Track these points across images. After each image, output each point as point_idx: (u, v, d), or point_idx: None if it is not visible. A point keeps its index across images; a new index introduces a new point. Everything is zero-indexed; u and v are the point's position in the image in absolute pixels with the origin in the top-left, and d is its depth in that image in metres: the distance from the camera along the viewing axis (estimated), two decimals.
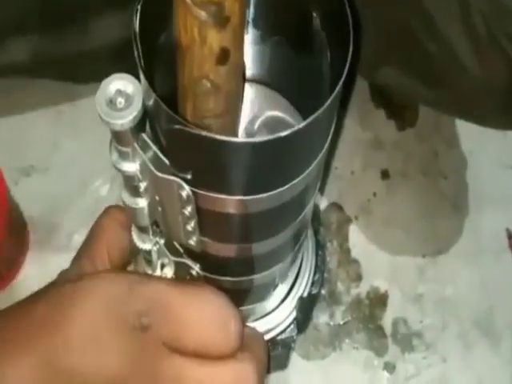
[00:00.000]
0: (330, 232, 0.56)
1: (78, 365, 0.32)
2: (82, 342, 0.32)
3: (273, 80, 0.38)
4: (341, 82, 0.29)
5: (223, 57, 0.28)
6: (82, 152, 0.58)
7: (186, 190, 0.30)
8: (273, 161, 0.30)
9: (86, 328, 0.32)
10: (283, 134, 0.28)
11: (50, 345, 0.32)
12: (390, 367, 0.52)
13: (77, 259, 0.37)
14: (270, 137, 0.27)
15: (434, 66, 0.49)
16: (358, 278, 0.55)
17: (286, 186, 0.31)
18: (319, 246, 0.46)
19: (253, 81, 0.37)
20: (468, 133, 0.60)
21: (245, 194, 0.31)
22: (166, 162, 0.30)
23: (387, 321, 0.54)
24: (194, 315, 0.33)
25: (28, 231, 0.55)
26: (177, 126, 0.27)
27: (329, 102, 0.29)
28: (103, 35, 0.55)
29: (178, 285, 0.34)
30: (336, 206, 0.57)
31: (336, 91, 0.29)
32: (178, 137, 0.28)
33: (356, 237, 0.56)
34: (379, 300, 0.54)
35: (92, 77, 0.58)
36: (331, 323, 0.54)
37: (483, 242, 0.56)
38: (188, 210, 0.31)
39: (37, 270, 0.54)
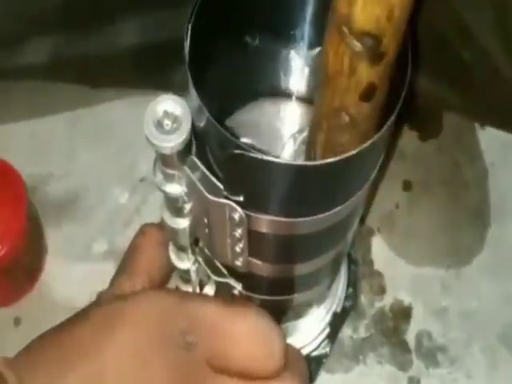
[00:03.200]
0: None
1: None
2: (128, 364, 0.31)
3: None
4: (397, 108, 0.29)
5: (369, 93, 0.26)
6: (100, 159, 0.57)
7: (239, 213, 0.29)
8: (329, 183, 0.29)
9: (131, 349, 0.32)
10: (344, 156, 0.27)
11: (96, 368, 0.31)
12: (414, 382, 0.52)
13: (115, 279, 0.37)
14: (335, 159, 0.27)
15: (469, 74, 0.48)
16: (382, 290, 0.54)
17: (338, 209, 0.31)
18: (351, 261, 0.45)
19: (296, 98, 0.37)
20: (490, 145, 0.59)
21: (296, 216, 0.30)
22: (220, 185, 0.29)
23: (411, 334, 0.53)
24: (238, 334, 0.33)
25: (46, 239, 0.54)
26: (237, 151, 0.27)
27: (389, 123, 0.28)
28: (124, 40, 0.54)
29: (222, 303, 0.33)
30: None
31: (394, 114, 0.29)
32: (235, 161, 0.27)
33: (379, 249, 0.56)
34: (403, 313, 0.54)
35: (111, 82, 0.57)
36: (354, 336, 0.53)
37: (507, 253, 0.56)
38: (238, 231, 0.31)
39: (55, 279, 0.53)
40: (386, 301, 0.54)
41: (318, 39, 0.35)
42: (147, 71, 0.56)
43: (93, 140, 0.58)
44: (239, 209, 0.29)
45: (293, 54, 0.36)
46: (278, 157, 0.32)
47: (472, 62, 0.48)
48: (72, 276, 0.53)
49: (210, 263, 0.35)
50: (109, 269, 0.40)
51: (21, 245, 0.49)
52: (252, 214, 0.30)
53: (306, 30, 0.35)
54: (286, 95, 0.37)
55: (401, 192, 0.58)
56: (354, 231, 0.36)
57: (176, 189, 0.31)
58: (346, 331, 0.53)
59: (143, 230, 0.38)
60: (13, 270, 0.50)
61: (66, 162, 0.57)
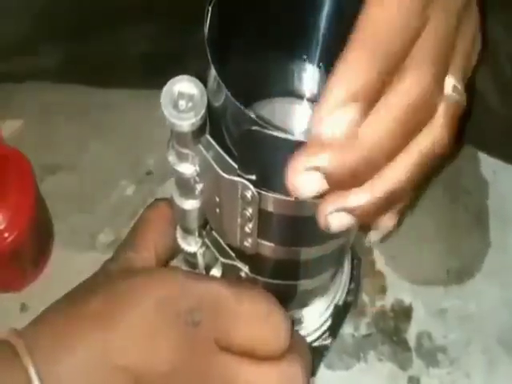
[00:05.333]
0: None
1: (131, 360, 0.32)
2: (136, 338, 0.32)
3: None
4: None
5: None
6: (107, 152, 0.58)
7: (252, 191, 0.30)
8: None
9: (139, 324, 0.32)
10: None
11: (104, 340, 0.32)
12: (414, 381, 0.52)
13: (122, 250, 0.37)
14: None
15: None
16: (383, 290, 0.55)
17: None
18: (355, 256, 0.46)
19: (307, 99, 0.38)
20: None
21: None
22: (233, 163, 0.30)
23: (411, 334, 0.54)
24: (245, 313, 0.33)
25: (53, 229, 0.55)
26: (254, 127, 0.27)
27: None
28: (134, 44, 0.55)
29: (230, 283, 0.34)
30: None
31: None
32: (251, 138, 0.28)
33: (380, 249, 0.56)
34: (403, 313, 0.54)
35: (121, 84, 0.58)
36: (355, 334, 0.53)
37: (507, 258, 0.57)
38: (249, 211, 0.31)
39: (61, 268, 0.54)
40: (387, 300, 0.55)
41: (329, 46, 0.36)
42: (156, 76, 0.57)
43: (100, 133, 0.58)
44: (252, 187, 0.30)
45: (306, 58, 0.37)
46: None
47: None
48: (78, 265, 0.53)
49: (217, 245, 0.36)
50: None
51: (28, 232, 0.50)
52: (263, 192, 0.30)
53: (319, 39, 0.36)
54: (298, 96, 0.38)
55: None
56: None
57: (189, 169, 0.32)
58: (348, 329, 0.53)
59: (154, 205, 0.39)
60: (20, 256, 0.51)
61: (73, 154, 0.58)
